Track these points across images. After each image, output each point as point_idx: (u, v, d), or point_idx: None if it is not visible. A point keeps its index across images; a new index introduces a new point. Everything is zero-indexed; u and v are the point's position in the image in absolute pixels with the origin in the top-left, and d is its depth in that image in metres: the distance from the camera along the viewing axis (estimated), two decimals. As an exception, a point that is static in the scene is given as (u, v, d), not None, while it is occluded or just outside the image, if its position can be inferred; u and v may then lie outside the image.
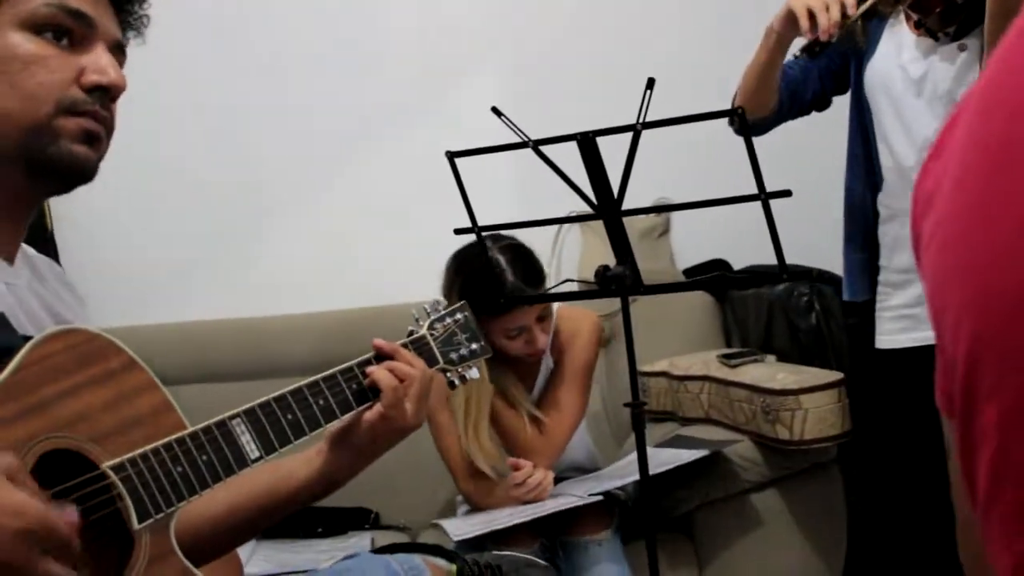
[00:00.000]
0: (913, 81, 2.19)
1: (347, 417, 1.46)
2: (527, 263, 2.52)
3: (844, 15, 2.04)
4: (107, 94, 1.27)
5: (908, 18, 2.22)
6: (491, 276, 2.40)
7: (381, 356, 1.51)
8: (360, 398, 1.48)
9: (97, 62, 1.26)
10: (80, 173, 1.27)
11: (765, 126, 2.41)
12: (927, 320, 2.23)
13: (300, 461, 1.49)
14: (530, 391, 2.68)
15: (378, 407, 1.47)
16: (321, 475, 1.48)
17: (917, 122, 2.19)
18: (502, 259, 2.48)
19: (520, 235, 2.58)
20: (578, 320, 2.69)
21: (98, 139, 1.27)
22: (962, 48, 2.12)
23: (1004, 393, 0.52)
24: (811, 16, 2.06)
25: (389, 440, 1.50)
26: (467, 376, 1.69)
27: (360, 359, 1.50)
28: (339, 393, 1.45)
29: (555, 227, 3.37)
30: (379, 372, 1.48)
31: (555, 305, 2.64)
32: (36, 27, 1.23)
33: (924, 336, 2.21)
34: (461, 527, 2.45)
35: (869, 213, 2.36)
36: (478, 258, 2.41)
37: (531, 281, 2.48)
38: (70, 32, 1.25)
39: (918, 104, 2.18)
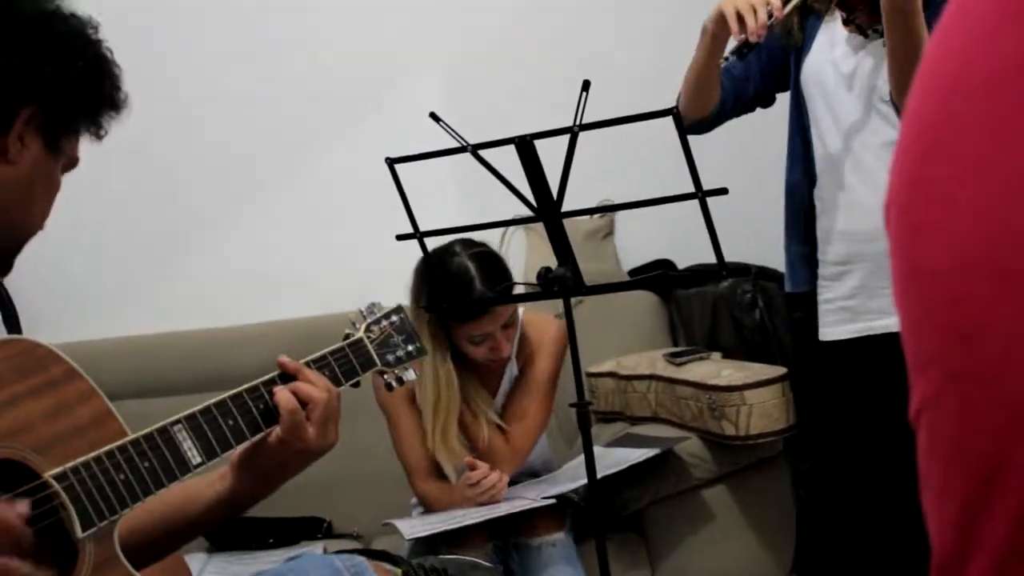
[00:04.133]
0: (844, 76, 2.26)
1: (257, 438, 1.41)
2: (495, 270, 2.50)
3: (770, 16, 2.06)
4: None
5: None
6: (457, 282, 2.40)
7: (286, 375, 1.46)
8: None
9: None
10: None
11: (709, 123, 2.43)
12: (864, 312, 2.24)
13: (204, 484, 1.45)
14: (493, 396, 2.68)
15: (276, 431, 1.41)
16: (222, 500, 1.43)
17: (845, 113, 2.26)
18: (471, 266, 2.45)
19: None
20: (544, 328, 2.68)
21: None
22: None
23: (932, 370, 0.52)
24: (740, 18, 2.08)
25: (295, 464, 1.44)
26: (404, 378, 1.68)
27: (267, 376, 1.45)
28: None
29: (500, 231, 3.36)
30: (281, 394, 1.41)
31: (521, 311, 2.65)
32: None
33: (862, 327, 2.27)
34: (414, 526, 2.45)
35: (808, 206, 2.40)
36: (443, 264, 2.41)
37: (498, 287, 2.46)
38: None
39: (848, 97, 2.25)
